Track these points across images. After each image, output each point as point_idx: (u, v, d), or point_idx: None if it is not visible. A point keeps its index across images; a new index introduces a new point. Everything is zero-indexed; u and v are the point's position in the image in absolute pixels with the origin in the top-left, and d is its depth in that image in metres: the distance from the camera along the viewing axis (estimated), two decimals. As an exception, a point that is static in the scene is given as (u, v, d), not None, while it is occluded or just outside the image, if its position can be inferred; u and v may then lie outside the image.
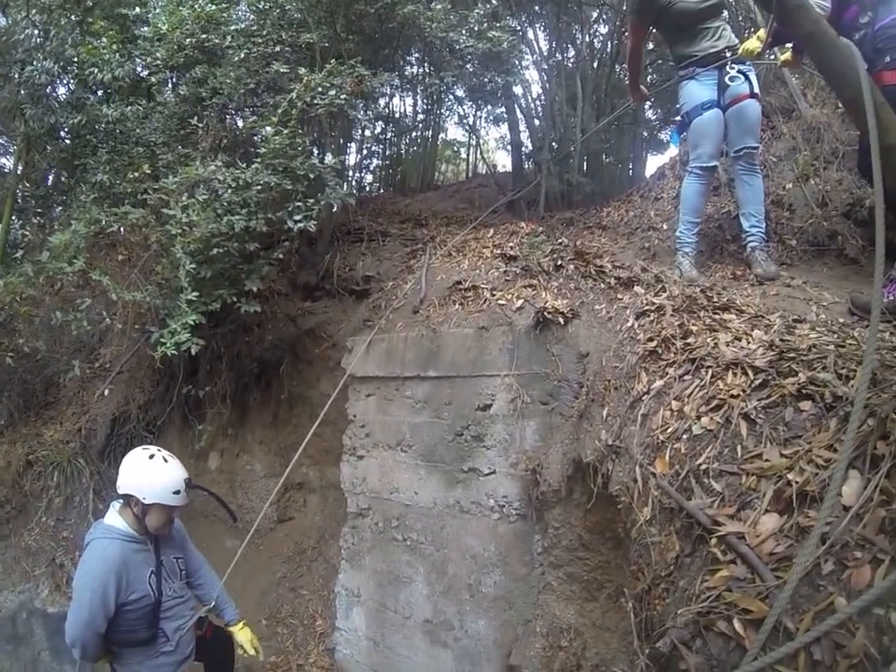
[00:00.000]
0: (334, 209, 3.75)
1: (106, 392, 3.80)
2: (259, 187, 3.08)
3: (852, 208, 3.19)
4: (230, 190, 3.12)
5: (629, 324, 2.58)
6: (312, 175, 3.15)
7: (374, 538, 3.07)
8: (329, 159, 3.30)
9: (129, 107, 4.06)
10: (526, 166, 5.66)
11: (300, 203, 3.10)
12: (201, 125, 3.75)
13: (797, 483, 1.61)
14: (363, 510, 3.12)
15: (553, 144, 5.15)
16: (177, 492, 2.41)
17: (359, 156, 6.23)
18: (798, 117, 3.75)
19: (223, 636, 3.04)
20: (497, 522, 2.65)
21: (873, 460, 1.52)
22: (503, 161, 7.78)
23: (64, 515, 3.82)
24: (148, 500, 2.35)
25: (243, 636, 2.75)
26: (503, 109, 5.74)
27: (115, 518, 2.45)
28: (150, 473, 2.39)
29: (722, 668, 1.52)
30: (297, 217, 3.14)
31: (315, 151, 4.01)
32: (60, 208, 4.83)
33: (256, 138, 3.98)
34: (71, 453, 3.90)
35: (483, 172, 7.44)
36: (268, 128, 3.26)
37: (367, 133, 5.83)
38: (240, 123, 4.23)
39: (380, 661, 3.14)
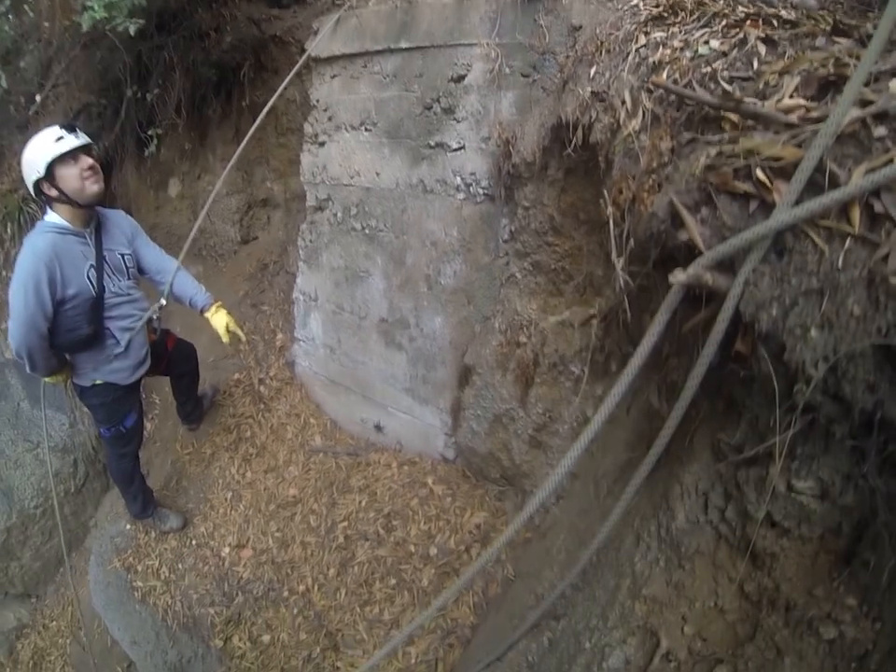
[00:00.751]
0: None
1: (38, 98, 3.41)
2: None
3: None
4: None
5: (633, 2, 2.15)
6: None
7: (332, 231, 2.85)
8: None
9: None
10: None
11: None
12: None
13: (833, 70, 1.25)
14: (322, 201, 2.87)
15: None
16: (59, 138, 2.12)
17: None
18: None
19: (187, 349, 2.95)
20: (461, 203, 2.38)
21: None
22: None
23: None
24: (42, 168, 2.10)
25: (217, 321, 2.55)
26: None
27: (48, 216, 2.20)
28: (29, 147, 2.15)
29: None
30: None
31: None
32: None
33: None
34: (20, 200, 3.62)
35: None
36: None
37: None
38: None
39: (337, 369, 3.06)
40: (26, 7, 3.03)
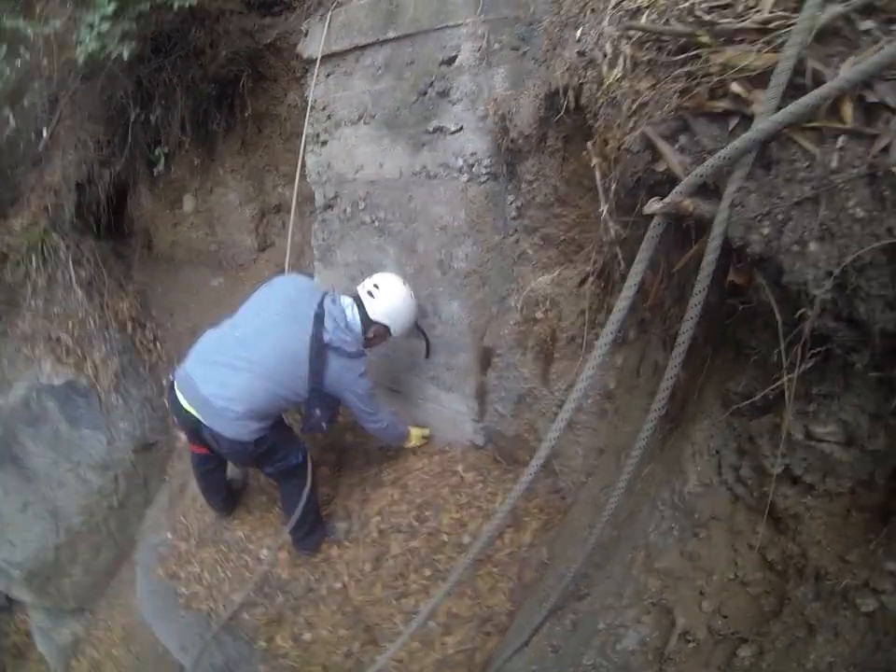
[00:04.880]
0: None
1: (45, 133, 3.55)
2: None
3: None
4: None
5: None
6: None
7: (343, 227, 2.87)
8: None
9: None
10: None
11: None
12: None
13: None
14: (330, 199, 2.89)
15: None
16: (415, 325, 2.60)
17: None
18: None
19: None
20: (466, 185, 2.36)
21: None
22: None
23: (51, 294, 3.72)
24: (396, 334, 2.52)
25: None
26: None
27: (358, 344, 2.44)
28: (409, 312, 2.50)
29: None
30: None
31: None
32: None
33: None
34: (42, 233, 3.73)
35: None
36: None
37: None
38: None
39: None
40: (22, 48, 3.13)
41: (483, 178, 2.33)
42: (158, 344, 3.92)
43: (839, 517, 1.17)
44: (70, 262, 3.76)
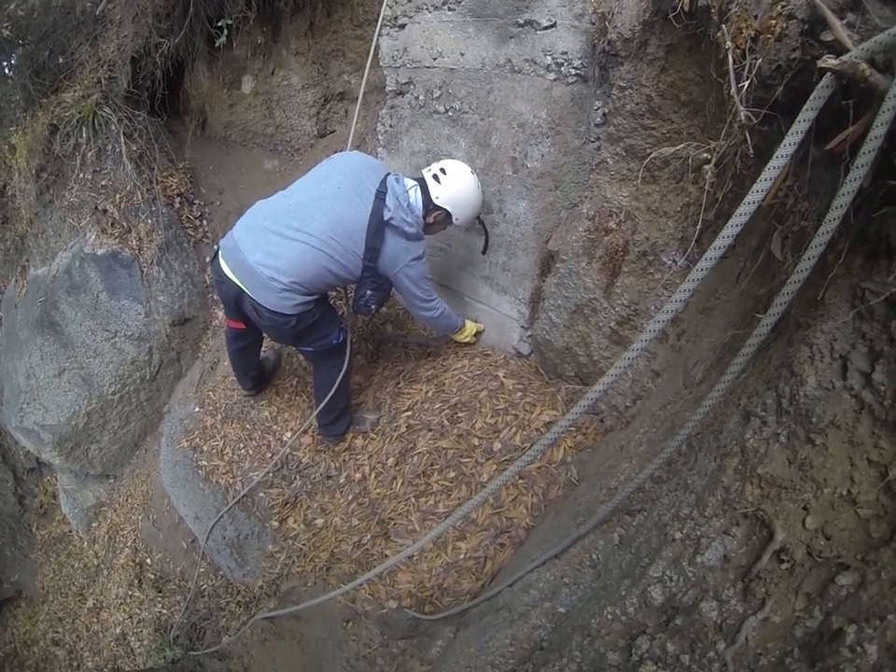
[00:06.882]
0: None
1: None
2: None
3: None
4: None
5: None
6: None
7: (413, 114, 2.77)
8: None
9: None
10: None
11: None
12: None
13: None
14: (403, 85, 2.78)
15: None
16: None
17: None
18: None
19: None
20: (552, 83, 2.25)
21: None
22: None
23: (100, 166, 3.67)
24: (457, 223, 2.46)
25: None
26: None
27: (417, 225, 2.37)
28: (474, 201, 2.43)
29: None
30: None
31: None
32: None
33: None
34: (95, 105, 3.64)
35: None
36: None
37: None
38: None
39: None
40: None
41: (571, 79, 2.22)
42: (204, 221, 3.90)
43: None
44: (121, 136, 3.70)
